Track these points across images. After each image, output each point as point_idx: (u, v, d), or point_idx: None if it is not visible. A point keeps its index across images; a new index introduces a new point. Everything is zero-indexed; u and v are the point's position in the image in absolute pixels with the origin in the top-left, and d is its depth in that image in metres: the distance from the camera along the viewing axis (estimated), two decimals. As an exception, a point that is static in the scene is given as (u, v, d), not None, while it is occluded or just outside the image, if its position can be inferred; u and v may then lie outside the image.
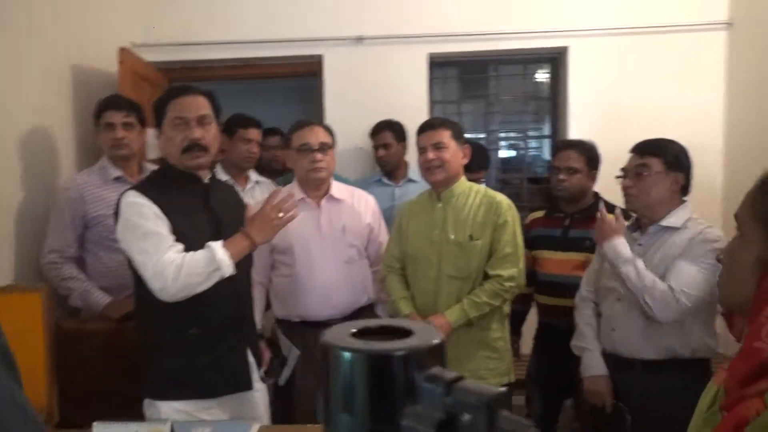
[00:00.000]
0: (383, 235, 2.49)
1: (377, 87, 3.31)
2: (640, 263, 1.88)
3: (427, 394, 0.42)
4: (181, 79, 3.54)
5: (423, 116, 3.32)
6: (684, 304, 1.80)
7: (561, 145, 2.71)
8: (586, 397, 2.04)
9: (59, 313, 2.31)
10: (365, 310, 2.40)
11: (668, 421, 1.78)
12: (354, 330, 0.44)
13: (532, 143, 3.74)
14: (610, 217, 1.98)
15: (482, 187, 2.23)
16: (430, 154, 2.12)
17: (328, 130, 2.34)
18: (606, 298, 2.06)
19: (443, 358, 0.46)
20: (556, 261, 2.51)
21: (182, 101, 1.79)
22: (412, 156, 3.08)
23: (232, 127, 2.76)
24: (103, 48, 2.93)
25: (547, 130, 3.64)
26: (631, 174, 1.98)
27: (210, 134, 1.82)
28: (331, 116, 3.25)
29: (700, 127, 3.10)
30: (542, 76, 3.61)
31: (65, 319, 2.31)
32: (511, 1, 3.29)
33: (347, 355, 0.41)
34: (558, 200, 2.64)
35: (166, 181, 1.83)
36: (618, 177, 2.05)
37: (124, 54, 2.84)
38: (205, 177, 1.88)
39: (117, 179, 2.43)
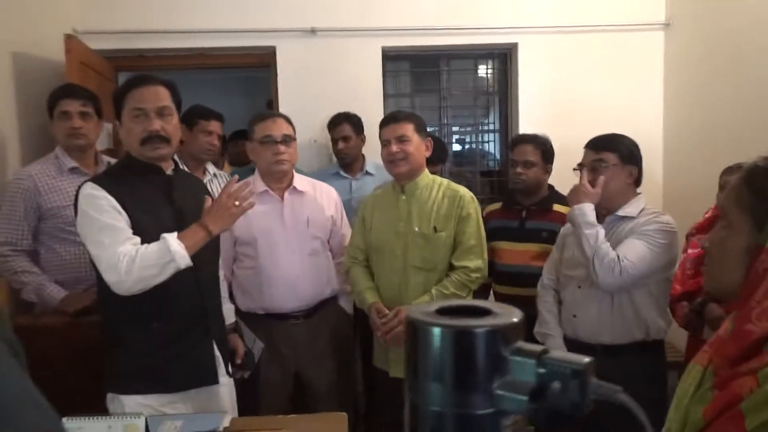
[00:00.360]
0: (345, 228, 2.52)
1: (331, 79, 3.31)
2: (601, 231, 1.97)
3: (517, 365, 0.46)
4: (129, 68, 3.44)
5: (378, 109, 3.36)
6: (626, 272, 1.90)
7: (518, 139, 2.79)
8: None
9: (12, 307, 2.22)
10: (329, 302, 2.43)
11: (638, 399, 1.91)
12: (436, 308, 0.47)
13: (483, 137, 3.84)
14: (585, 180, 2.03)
15: (445, 180, 2.28)
16: (394, 147, 2.15)
17: (290, 123, 2.34)
18: (567, 286, 2.15)
19: (523, 334, 0.50)
20: (514, 252, 2.59)
21: (142, 91, 1.76)
22: (368, 149, 3.12)
23: (192, 118, 2.71)
24: (46, 35, 2.80)
25: (496, 124, 3.75)
26: (588, 168, 2.08)
27: (171, 125, 1.79)
28: (284, 108, 3.22)
29: (641, 121, 3.26)
30: (492, 71, 3.70)
31: (18, 314, 2.22)
32: (464, -2, 3.36)
33: (439, 331, 0.43)
34: (514, 192, 2.74)
35: (127, 173, 1.79)
36: (575, 170, 2.15)
37: (71, 41, 2.72)
38: (168, 168, 1.85)
39: (72, 170, 2.35)
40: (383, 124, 2.23)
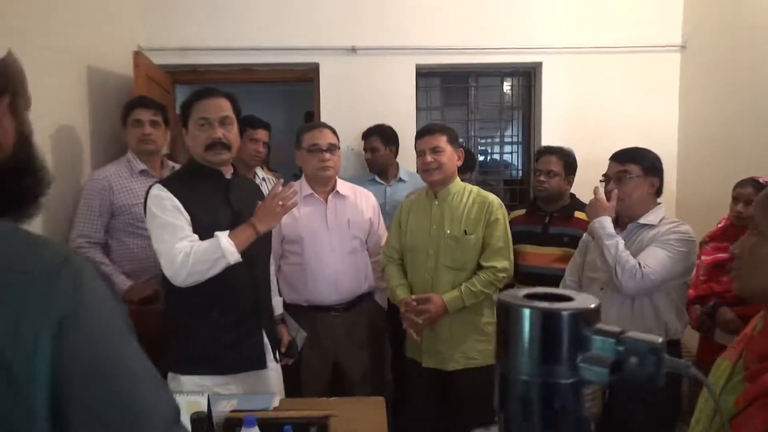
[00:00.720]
0: (381, 229, 2.76)
1: (369, 94, 3.57)
2: (621, 241, 2.13)
3: (598, 343, 0.55)
4: (185, 82, 3.75)
5: (411, 122, 3.62)
6: (648, 278, 2.04)
7: (543, 150, 2.99)
8: None
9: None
10: (366, 297, 2.66)
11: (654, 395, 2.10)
12: (525, 294, 0.57)
13: (506, 148, 4.07)
14: (601, 195, 2.18)
15: (475, 187, 2.50)
16: (429, 158, 2.38)
17: (335, 133, 2.60)
18: (589, 288, 2.30)
19: (599, 317, 0.58)
20: (537, 255, 2.79)
21: (207, 103, 2.00)
22: (402, 158, 3.37)
23: (242, 126, 2.97)
24: (115, 50, 3.10)
25: (519, 136, 3.97)
26: (614, 179, 2.25)
27: (231, 133, 2.02)
28: (325, 119, 3.47)
29: (657, 137, 3.44)
30: (516, 87, 3.93)
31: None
32: (491, 18, 3.59)
33: (530, 312, 0.53)
34: (537, 200, 2.96)
35: (191, 176, 2.01)
36: (601, 182, 2.33)
37: (139, 57, 3.02)
38: (228, 173, 2.08)
39: (142, 172, 2.63)
40: (419, 136, 2.46)
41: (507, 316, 0.56)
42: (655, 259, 2.08)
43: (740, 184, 2.69)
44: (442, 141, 2.39)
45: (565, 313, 0.53)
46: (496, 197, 2.46)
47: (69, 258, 0.68)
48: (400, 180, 3.35)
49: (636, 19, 3.60)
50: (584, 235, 2.49)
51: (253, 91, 5.18)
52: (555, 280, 2.55)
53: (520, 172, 3.99)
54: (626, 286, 2.08)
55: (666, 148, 3.55)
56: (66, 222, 2.59)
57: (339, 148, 2.59)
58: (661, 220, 2.22)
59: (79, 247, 2.51)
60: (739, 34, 3.13)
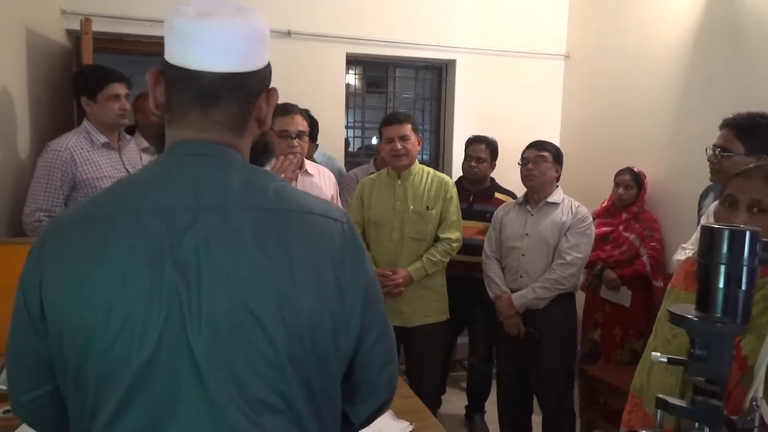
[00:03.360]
0: (339, 205, 3.02)
1: (301, 77, 3.74)
2: (539, 292, 2.68)
3: (764, 247, 0.80)
4: (107, 49, 3.59)
5: (340, 106, 3.88)
6: (578, 262, 2.67)
7: (473, 139, 3.46)
8: (506, 329, 2.77)
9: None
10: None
11: (562, 333, 2.70)
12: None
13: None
14: None
15: (431, 169, 2.86)
16: (398, 145, 2.69)
17: (305, 117, 2.78)
18: (511, 254, 2.81)
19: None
20: (463, 227, 3.27)
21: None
22: (328, 140, 3.62)
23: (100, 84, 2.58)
24: (47, 13, 2.94)
25: (431, 125, 4.42)
26: (533, 161, 2.77)
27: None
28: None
29: (543, 132, 4.09)
30: (430, 80, 4.36)
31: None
32: (415, 16, 3.95)
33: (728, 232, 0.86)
34: (463, 180, 3.43)
35: None
36: (519, 164, 2.86)
37: (88, 24, 2.87)
38: None
39: (104, 145, 2.59)
40: (387, 124, 2.74)
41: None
42: (579, 250, 2.67)
43: (620, 173, 3.41)
44: (408, 129, 2.71)
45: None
46: (450, 178, 2.85)
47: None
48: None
49: (530, 30, 4.21)
50: (495, 213, 3.00)
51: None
52: (478, 249, 3.02)
53: (430, 157, 4.44)
54: (577, 282, 2.79)
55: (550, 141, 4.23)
56: (7, 191, 2.48)
57: (307, 133, 2.79)
58: (563, 199, 2.79)
59: (39, 221, 2.43)
60: (613, 46, 3.85)
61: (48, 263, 0.81)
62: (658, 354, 0.86)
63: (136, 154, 2.81)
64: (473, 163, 3.31)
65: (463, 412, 3.56)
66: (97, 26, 3.36)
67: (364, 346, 0.91)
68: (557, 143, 4.29)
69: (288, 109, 2.73)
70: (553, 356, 2.72)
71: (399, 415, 1.70)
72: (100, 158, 2.56)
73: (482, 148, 3.32)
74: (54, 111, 2.85)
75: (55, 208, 2.46)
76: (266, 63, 0.93)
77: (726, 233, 0.80)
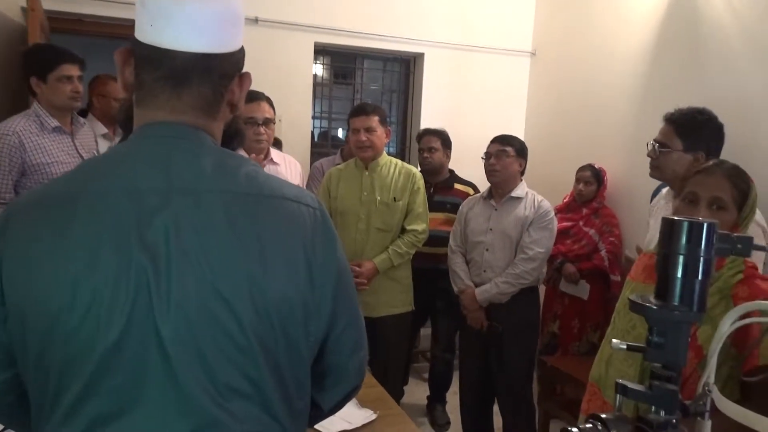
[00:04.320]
0: (304, 194, 3.00)
1: (269, 66, 3.69)
2: (502, 287, 2.70)
3: (719, 238, 0.81)
4: (64, 30, 3.48)
5: (307, 96, 3.86)
6: (540, 256, 2.70)
7: (423, 132, 3.51)
8: (469, 323, 2.80)
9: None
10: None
11: (524, 327, 2.75)
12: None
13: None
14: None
15: (399, 160, 2.87)
16: (363, 137, 2.69)
17: (272, 105, 2.76)
18: (475, 249, 2.83)
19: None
20: None
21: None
22: (292, 129, 3.59)
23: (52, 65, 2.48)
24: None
25: (398, 117, 4.43)
26: (495, 155, 2.81)
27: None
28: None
29: (508, 127, 4.12)
30: (398, 73, 4.37)
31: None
32: (385, 8, 3.95)
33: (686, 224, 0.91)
34: (423, 172, 3.45)
35: None
36: (482, 158, 2.89)
37: (34, 1, 2.77)
38: None
39: (56, 129, 2.50)
40: (353, 115, 2.75)
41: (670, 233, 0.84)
42: (541, 244, 2.71)
43: (581, 169, 3.49)
44: (375, 121, 2.71)
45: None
46: (417, 170, 2.87)
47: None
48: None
49: (497, 26, 4.26)
50: (461, 207, 3.03)
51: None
52: (441, 240, 3.05)
53: (397, 148, 4.45)
54: (539, 275, 2.82)
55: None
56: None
57: (274, 121, 2.76)
58: (526, 193, 2.82)
59: None
60: (578, 45, 3.93)
61: (8, 246, 0.78)
62: (619, 341, 0.89)
63: (90, 139, 2.72)
64: (426, 154, 3.35)
65: (424, 402, 3.60)
66: (55, 5, 3.26)
67: (335, 331, 0.92)
68: (522, 138, 4.41)
69: (254, 96, 2.69)
70: (515, 350, 2.76)
71: (363, 403, 1.71)
72: (50, 143, 2.47)
73: (432, 139, 3.37)
74: (8, 92, 2.74)
75: (4, 195, 2.37)
76: (240, 46, 0.92)
77: (685, 225, 0.83)
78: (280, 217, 0.85)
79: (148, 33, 0.84)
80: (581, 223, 3.43)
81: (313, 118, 4.13)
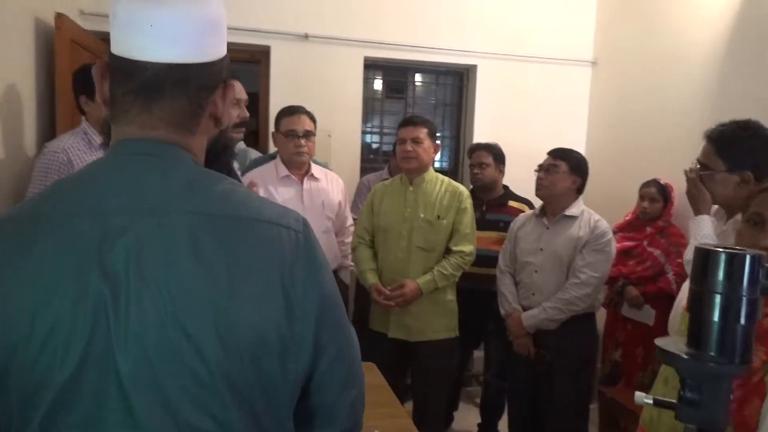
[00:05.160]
0: (347, 211, 2.94)
1: (318, 81, 3.68)
2: (550, 312, 2.49)
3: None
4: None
5: (357, 111, 3.81)
6: (593, 281, 2.47)
7: (474, 147, 3.37)
8: (516, 350, 2.62)
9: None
10: (334, 274, 2.83)
11: (576, 359, 2.53)
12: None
13: (439, 142, 4.38)
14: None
15: (446, 177, 2.74)
16: (408, 147, 2.59)
17: (312, 119, 2.72)
18: (524, 270, 2.66)
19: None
20: (477, 238, 3.14)
21: (239, 86, 2.14)
22: (340, 145, 3.56)
23: None
24: (60, 8, 2.93)
25: (450, 131, 4.31)
26: (546, 169, 2.63)
27: (247, 115, 2.17)
28: (274, 102, 3.56)
29: (568, 140, 3.91)
30: (451, 86, 4.26)
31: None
32: (436, 20, 3.85)
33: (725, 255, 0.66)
34: (475, 190, 3.31)
35: None
36: (535, 171, 2.71)
37: (62, 20, 2.80)
38: None
39: (102, 145, 2.56)
40: (402, 125, 2.65)
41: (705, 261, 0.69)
42: (595, 268, 2.48)
43: (645, 185, 3.24)
44: (423, 133, 2.60)
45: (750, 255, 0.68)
46: (465, 188, 2.73)
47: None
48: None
49: (556, 35, 4.07)
50: (511, 224, 2.86)
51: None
52: (493, 261, 2.88)
53: (449, 164, 4.33)
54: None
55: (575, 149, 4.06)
56: (11, 190, 2.47)
57: (314, 134, 2.72)
58: (581, 212, 2.62)
59: None
60: (643, 52, 3.68)
61: None
62: (643, 394, 0.74)
63: None
64: (476, 170, 3.20)
65: (475, 429, 3.42)
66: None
67: (320, 368, 0.82)
68: (582, 153, 4.16)
69: (293, 110, 2.68)
70: (565, 381, 2.55)
71: (386, 436, 1.60)
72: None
73: (483, 154, 3.21)
74: (62, 108, 2.83)
75: None
76: (223, 54, 0.85)
77: (723, 256, 0.68)
78: (254, 241, 0.77)
79: (119, 44, 0.79)
80: (645, 243, 3.16)
81: (365, 132, 4.08)
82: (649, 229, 3.17)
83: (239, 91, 2.11)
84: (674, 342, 0.72)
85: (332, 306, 0.83)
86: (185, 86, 0.80)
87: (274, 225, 0.79)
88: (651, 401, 0.74)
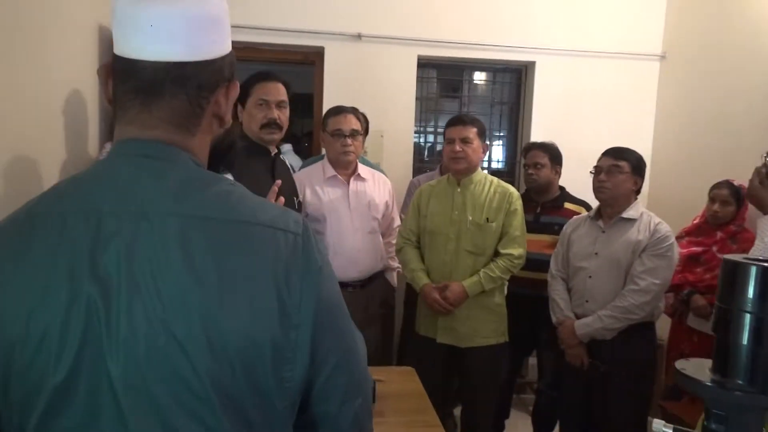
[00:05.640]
0: (395, 212, 2.90)
1: (372, 80, 3.66)
2: (606, 322, 2.35)
3: None
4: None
5: (410, 110, 3.76)
6: (653, 288, 2.31)
7: (529, 146, 3.24)
8: (569, 360, 2.50)
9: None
10: (379, 275, 2.80)
11: (634, 371, 2.36)
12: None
13: (493, 141, 4.27)
14: None
15: (495, 178, 2.65)
16: (458, 147, 2.51)
17: (359, 118, 2.70)
18: (577, 275, 2.53)
19: None
20: (530, 241, 2.93)
21: (267, 85, 2.12)
22: (394, 145, 3.49)
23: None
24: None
25: (506, 130, 4.19)
26: (606, 171, 2.49)
27: (285, 116, 2.16)
28: (328, 103, 3.56)
29: (634, 138, 3.71)
30: (508, 84, 4.13)
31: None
32: (491, 17, 3.75)
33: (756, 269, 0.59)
34: (529, 191, 3.19)
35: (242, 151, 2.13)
36: (591, 173, 2.58)
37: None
38: (273, 151, 2.22)
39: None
40: (450, 124, 2.58)
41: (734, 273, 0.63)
42: (656, 275, 2.33)
43: (717, 186, 3.01)
44: (472, 132, 2.52)
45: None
46: (515, 189, 2.63)
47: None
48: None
49: (621, 28, 3.86)
50: (564, 227, 2.72)
51: (243, 69, 5.14)
52: (547, 265, 2.75)
53: (505, 164, 4.20)
54: None
55: (640, 148, 3.82)
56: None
57: (361, 134, 2.70)
58: (640, 215, 2.46)
59: None
60: (714, 47, 3.43)
61: None
62: (662, 422, 0.66)
63: None
64: (531, 170, 3.08)
65: (527, 439, 3.30)
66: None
67: (320, 377, 0.79)
68: (649, 152, 3.94)
69: (340, 109, 2.67)
70: (621, 394, 2.39)
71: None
72: None
73: (539, 154, 3.08)
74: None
75: None
76: (225, 52, 0.84)
77: (754, 270, 0.59)
78: (247, 246, 0.75)
79: (119, 44, 0.80)
80: (715, 248, 2.94)
81: (418, 132, 4.03)
82: (719, 234, 2.95)
83: (267, 92, 2.11)
84: (698, 366, 0.63)
85: (332, 312, 0.80)
86: (184, 85, 0.79)
87: (268, 228, 0.77)
88: (671, 430, 0.65)
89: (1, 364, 0.71)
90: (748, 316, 0.59)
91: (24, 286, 0.71)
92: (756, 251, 1.76)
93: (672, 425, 0.66)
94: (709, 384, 0.61)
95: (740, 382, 0.59)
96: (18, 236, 0.74)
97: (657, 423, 0.66)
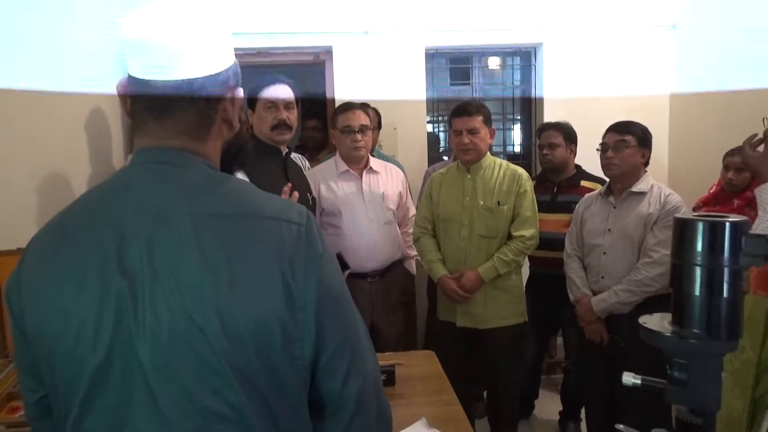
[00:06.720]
0: (409, 202, 2.95)
1: (380, 75, 3.71)
2: (622, 296, 2.37)
3: (751, 243, 0.62)
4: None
5: (421, 101, 3.80)
6: (667, 259, 2.21)
7: (543, 127, 3.26)
8: (588, 336, 2.53)
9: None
10: (397, 264, 2.86)
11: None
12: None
13: (507, 125, 4.28)
14: None
15: (504, 161, 2.68)
16: (466, 139, 2.54)
17: (367, 113, 2.75)
18: (592, 253, 2.55)
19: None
20: (548, 221, 2.98)
21: (274, 89, 2.20)
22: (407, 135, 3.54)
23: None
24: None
25: (519, 113, 4.19)
26: (613, 147, 2.48)
27: (293, 116, 2.24)
28: (340, 100, 3.61)
29: (650, 111, 3.71)
30: (519, 67, 4.14)
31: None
32: (492, 1, 3.76)
33: (702, 224, 0.63)
34: (546, 171, 3.21)
35: (255, 153, 2.21)
36: (598, 150, 2.58)
37: None
38: (284, 151, 2.30)
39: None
40: (456, 114, 2.59)
41: (682, 229, 0.66)
42: (668, 246, 2.27)
43: (730, 153, 2.97)
44: (478, 122, 2.55)
45: (728, 223, 0.64)
46: (524, 171, 2.65)
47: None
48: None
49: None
50: (576, 206, 2.73)
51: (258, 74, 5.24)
52: (562, 243, 2.76)
53: (522, 147, 4.21)
54: None
55: (658, 121, 3.81)
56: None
57: (371, 128, 2.75)
58: (650, 188, 2.46)
59: None
60: (729, 13, 3.38)
61: (24, 271, 0.86)
62: (632, 375, 0.71)
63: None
64: (546, 151, 3.09)
65: (557, 417, 3.33)
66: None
67: (323, 356, 0.86)
68: (665, 126, 3.91)
69: (348, 106, 2.73)
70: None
71: (434, 423, 1.60)
72: None
73: (553, 134, 3.09)
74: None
75: None
76: (228, 64, 0.91)
77: (700, 225, 0.63)
78: (255, 237, 0.83)
79: (131, 66, 0.88)
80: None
81: (429, 122, 4.06)
82: (736, 202, 2.91)
83: (274, 95, 2.19)
84: (660, 319, 0.68)
85: (334, 295, 0.87)
86: (192, 99, 0.87)
87: (274, 220, 0.84)
88: (639, 381, 0.70)
89: (46, 356, 0.82)
90: (698, 269, 0.63)
91: (61, 286, 0.81)
92: (762, 223, 1.76)
93: (641, 376, 0.70)
94: (669, 335, 0.65)
95: (696, 331, 0.63)
96: (53, 243, 0.84)
97: (627, 375, 0.71)
